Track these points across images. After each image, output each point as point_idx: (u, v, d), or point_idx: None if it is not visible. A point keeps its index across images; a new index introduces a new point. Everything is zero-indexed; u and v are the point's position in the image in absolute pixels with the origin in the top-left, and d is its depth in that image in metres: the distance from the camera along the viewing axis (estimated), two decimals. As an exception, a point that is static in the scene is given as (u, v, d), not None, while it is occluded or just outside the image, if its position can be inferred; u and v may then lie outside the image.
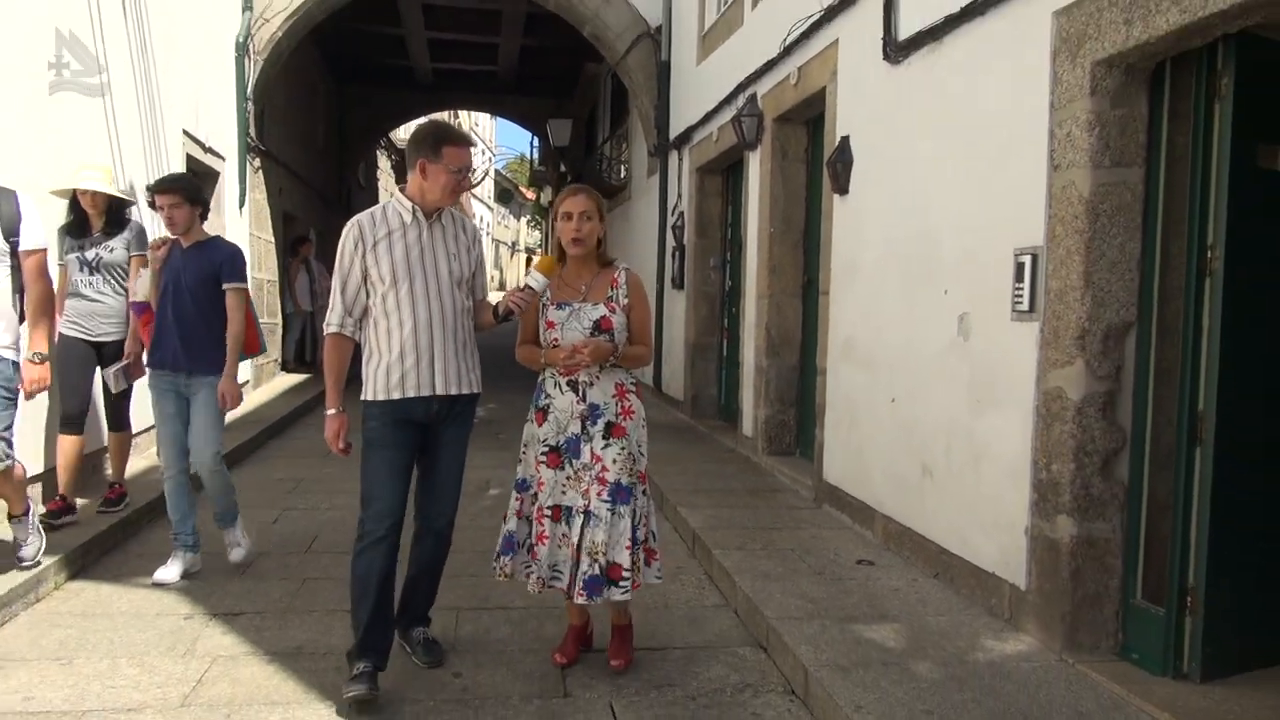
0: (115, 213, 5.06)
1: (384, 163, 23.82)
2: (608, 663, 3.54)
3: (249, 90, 9.89)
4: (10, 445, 4.03)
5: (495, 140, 50.34)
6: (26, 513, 4.24)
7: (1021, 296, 3.74)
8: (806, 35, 6.13)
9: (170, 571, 4.47)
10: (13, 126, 4.97)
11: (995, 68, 4.01)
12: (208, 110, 8.69)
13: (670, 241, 10.10)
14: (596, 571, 3.25)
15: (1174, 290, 3.38)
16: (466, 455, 3.52)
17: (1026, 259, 3.71)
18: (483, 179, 43.48)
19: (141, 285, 4.75)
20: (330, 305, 3.36)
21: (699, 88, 9.16)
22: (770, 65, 6.86)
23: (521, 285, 3.32)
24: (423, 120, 3.29)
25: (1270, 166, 3.26)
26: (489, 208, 52.50)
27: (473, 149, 3.40)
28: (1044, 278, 3.63)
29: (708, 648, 3.83)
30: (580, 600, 3.30)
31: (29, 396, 4.19)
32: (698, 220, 9.26)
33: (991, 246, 3.99)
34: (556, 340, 3.37)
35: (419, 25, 14.88)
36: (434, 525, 3.49)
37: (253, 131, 10.13)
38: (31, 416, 4.92)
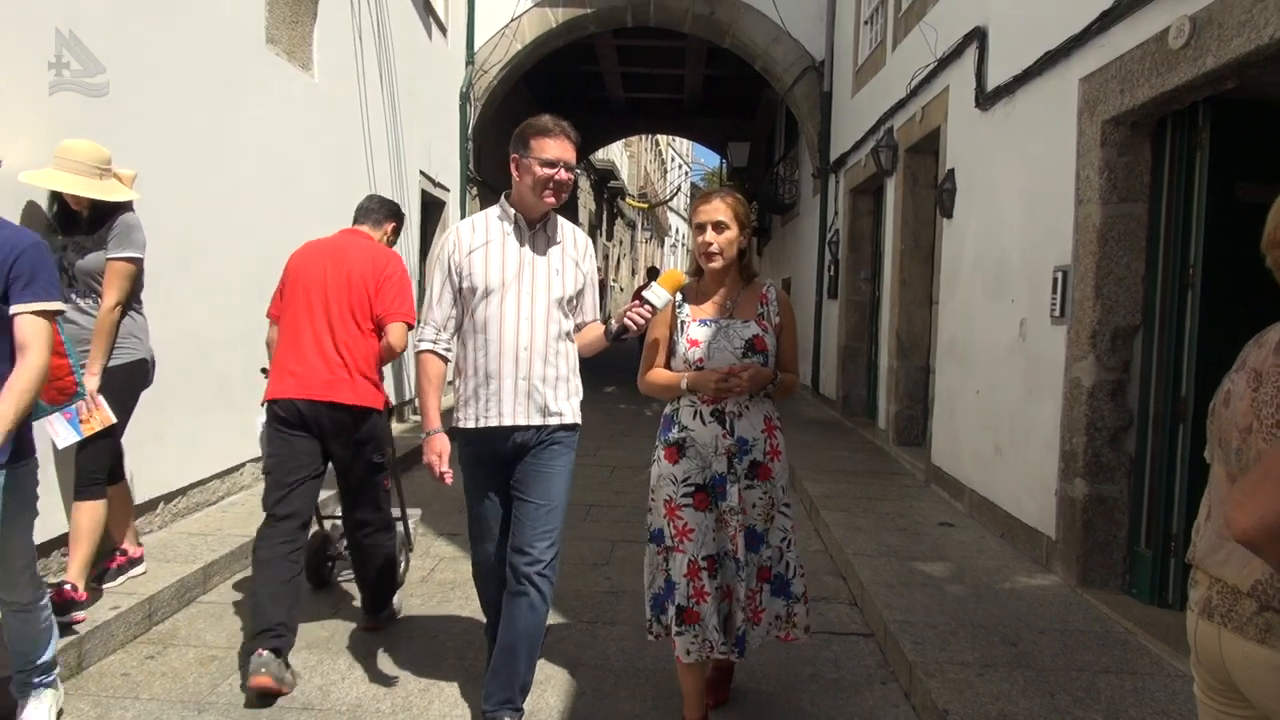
0: (103, 204, 3.75)
1: (584, 183, 25.96)
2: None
3: (469, 131, 11.77)
4: None
5: (692, 155, 52.25)
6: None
7: (1056, 305, 4.67)
8: (926, 80, 7.11)
9: None
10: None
11: (1045, 119, 4.94)
12: (436, 151, 10.58)
13: (828, 256, 11.14)
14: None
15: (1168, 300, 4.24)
16: (567, 493, 3.06)
17: (1060, 275, 4.64)
18: (676, 193, 45.29)
19: None
20: (422, 319, 3.03)
21: (853, 117, 10.18)
22: (902, 104, 7.86)
23: (638, 299, 2.88)
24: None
25: (1252, 199, 4.06)
26: (684, 219, 54.48)
27: (570, 140, 2.95)
28: (1072, 290, 4.55)
29: (800, 574, 4.97)
30: (734, 658, 3.02)
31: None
32: (850, 236, 10.27)
33: (1041, 264, 4.92)
34: (702, 360, 2.91)
35: (614, 63, 16.62)
36: (526, 572, 2.93)
37: (471, 165, 12.01)
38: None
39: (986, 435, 5.61)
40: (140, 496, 4.72)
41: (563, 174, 2.91)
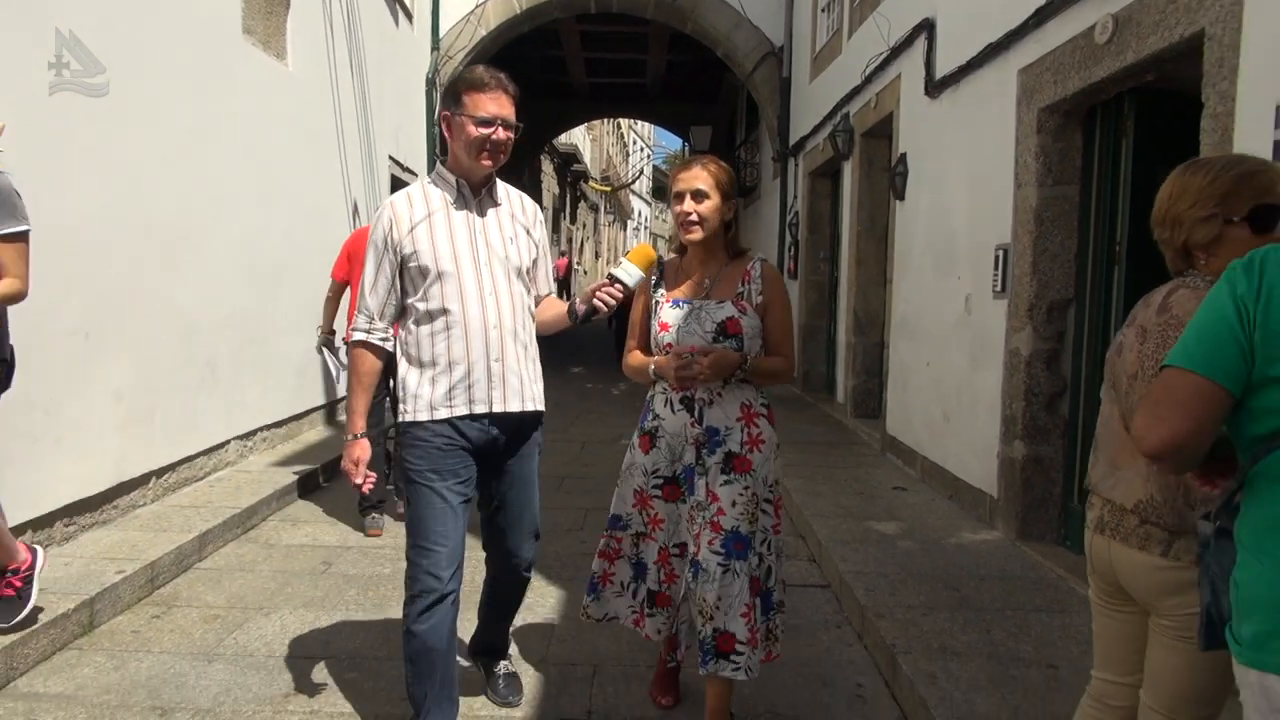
0: None
1: (547, 166, 26.12)
2: None
3: (435, 117, 11.92)
4: None
5: (654, 139, 52.47)
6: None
7: (998, 281, 5.02)
8: (880, 69, 7.44)
9: None
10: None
11: (988, 107, 5.28)
12: (405, 136, 10.75)
13: (788, 237, 11.49)
14: (707, 635, 2.68)
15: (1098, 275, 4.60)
16: (537, 486, 2.95)
17: (1001, 253, 4.99)
18: (639, 176, 45.51)
19: None
20: (357, 307, 2.73)
21: (811, 102, 10.50)
22: (857, 90, 8.18)
23: (607, 276, 2.64)
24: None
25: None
26: (646, 202, 54.71)
27: (508, 94, 2.65)
28: (1012, 266, 4.90)
29: (763, 536, 5.31)
30: (700, 670, 2.73)
31: None
32: (809, 218, 10.61)
33: (984, 243, 5.27)
34: (670, 346, 2.74)
35: (577, 48, 16.80)
36: (513, 566, 2.98)
37: (437, 150, 12.17)
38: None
39: (936, 404, 5.97)
40: (133, 472, 4.94)
41: (500, 133, 2.61)
